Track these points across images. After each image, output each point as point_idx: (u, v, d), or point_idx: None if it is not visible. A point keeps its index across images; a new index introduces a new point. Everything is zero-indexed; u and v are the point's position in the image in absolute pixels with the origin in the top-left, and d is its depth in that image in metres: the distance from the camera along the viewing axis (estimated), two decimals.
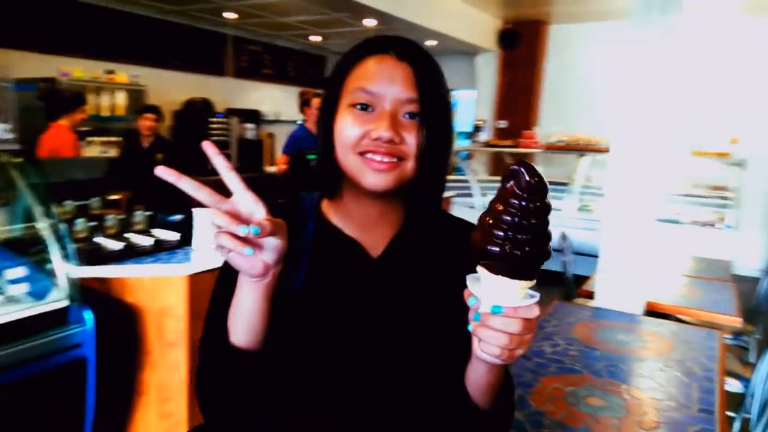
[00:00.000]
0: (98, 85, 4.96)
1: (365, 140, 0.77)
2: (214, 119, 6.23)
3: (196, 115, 6.17)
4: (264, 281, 0.69)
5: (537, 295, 0.65)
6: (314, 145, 3.51)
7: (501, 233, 0.60)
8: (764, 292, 2.99)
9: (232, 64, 7.04)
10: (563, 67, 7.05)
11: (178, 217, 2.68)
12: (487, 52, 7.39)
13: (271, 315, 0.74)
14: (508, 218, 0.60)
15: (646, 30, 2.39)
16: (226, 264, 0.85)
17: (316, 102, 4.37)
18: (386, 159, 0.76)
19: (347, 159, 0.79)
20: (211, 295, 0.88)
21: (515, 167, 0.61)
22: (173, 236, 2.49)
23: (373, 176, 0.77)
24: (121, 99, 5.11)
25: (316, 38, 7.29)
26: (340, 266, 0.85)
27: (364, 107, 0.77)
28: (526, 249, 0.60)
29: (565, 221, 5.16)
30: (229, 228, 0.62)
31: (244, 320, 0.72)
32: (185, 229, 2.55)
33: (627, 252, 2.42)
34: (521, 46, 7.21)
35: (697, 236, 4.84)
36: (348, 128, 0.77)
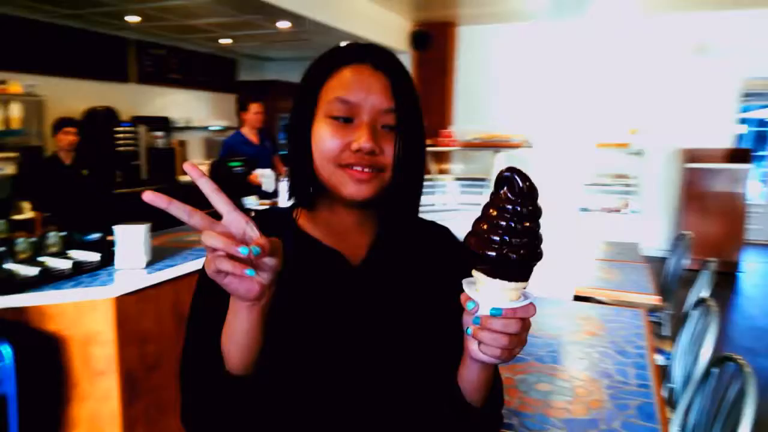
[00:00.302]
0: None
1: (346, 152, 0.77)
2: (120, 128, 5.89)
3: (100, 125, 5.79)
4: (260, 304, 0.67)
5: (532, 295, 0.67)
6: (249, 151, 3.45)
7: (496, 238, 0.62)
8: (673, 269, 3.26)
9: (135, 69, 6.68)
10: (474, 68, 7.32)
11: (95, 236, 2.53)
12: (400, 54, 7.43)
13: (265, 336, 0.72)
14: (503, 223, 0.62)
15: (557, 29, 2.53)
16: (203, 285, 0.83)
17: (254, 107, 4.38)
18: (366, 170, 0.77)
19: (326, 170, 0.78)
20: (189, 319, 0.84)
21: (507, 174, 0.64)
22: (93, 257, 2.34)
23: (354, 186, 0.77)
24: (15, 111, 4.69)
25: (225, 41, 7.07)
26: (322, 277, 0.84)
27: (345, 119, 0.77)
28: (521, 252, 0.62)
29: None
30: (228, 250, 0.60)
31: (241, 347, 0.70)
32: (104, 248, 2.41)
33: (554, 241, 2.56)
34: (433, 48, 7.40)
35: (605, 222, 5.21)
36: (327, 140, 0.77)
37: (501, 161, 5.88)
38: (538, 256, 0.64)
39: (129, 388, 2.13)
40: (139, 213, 3.81)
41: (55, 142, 3.80)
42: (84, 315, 2.07)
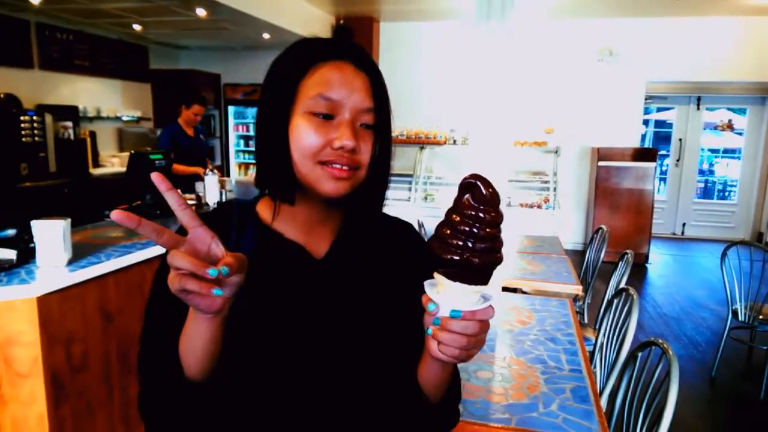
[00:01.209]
0: None
1: (327, 149, 0.76)
2: (25, 117, 5.44)
3: (1, 114, 5.33)
4: (220, 316, 0.67)
5: (491, 297, 0.69)
6: (186, 143, 3.38)
7: (459, 243, 0.64)
8: (591, 261, 3.49)
9: (38, 54, 6.19)
10: (396, 64, 7.43)
11: (10, 232, 2.35)
12: None
13: (224, 343, 0.72)
14: (465, 228, 0.64)
15: (477, 31, 2.64)
16: (160, 288, 0.81)
17: (195, 108, 4.60)
18: (346, 167, 0.77)
19: (305, 167, 0.77)
20: (146, 320, 0.82)
21: (471, 180, 0.65)
22: (9, 254, 2.17)
23: (332, 184, 0.77)
24: None
25: (137, 27, 6.71)
26: (284, 270, 0.84)
27: (326, 116, 0.77)
28: (482, 257, 0.64)
29: (413, 210, 5.50)
30: (197, 271, 0.60)
31: (199, 355, 0.71)
32: (21, 244, 2.25)
33: None
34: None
35: (525, 217, 5.49)
36: (308, 136, 0.76)
37: (426, 157, 6.03)
38: (498, 260, 0.66)
39: (56, 390, 2.01)
40: (48, 207, 3.57)
41: None
42: (3, 315, 1.93)
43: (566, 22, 6.72)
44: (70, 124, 6.09)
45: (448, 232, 0.65)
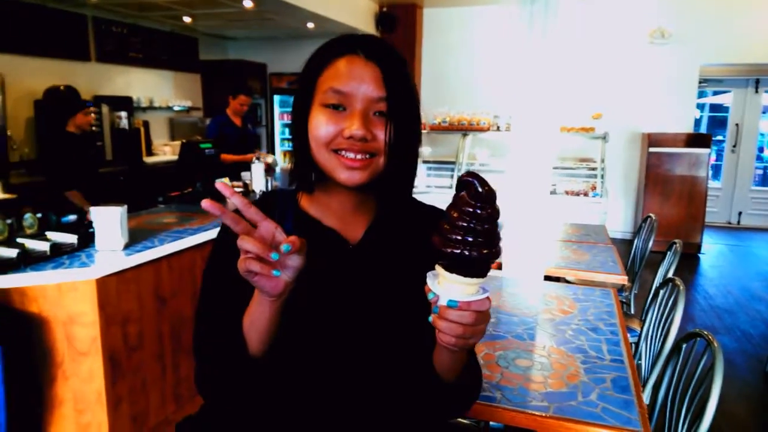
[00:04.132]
0: None
1: (339, 138, 0.80)
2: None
3: (60, 105, 5.60)
4: (282, 298, 0.74)
5: (488, 290, 0.72)
6: (233, 133, 3.53)
7: (456, 237, 0.67)
8: (639, 251, 3.41)
9: (95, 47, 6.45)
10: (440, 50, 7.37)
11: (72, 217, 2.50)
12: None
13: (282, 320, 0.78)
14: (463, 224, 0.67)
15: (532, 12, 2.58)
16: (214, 269, 0.88)
17: (242, 98, 4.72)
18: (359, 156, 0.81)
19: (321, 155, 0.82)
20: (201, 299, 0.89)
21: (468, 179, 0.68)
22: (70, 238, 2.32)
23: (347, 173, 0.81)
24: None
25: (187, 19, 6.90)
26: (320, 255, 0.87)
27: (336, 107, 0.81)
28: (479, 251, 0.67)
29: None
30: (261, 254, 0.67)
31: (261, 333, 0.77)
32: (82, 229, 2.39)
33: (527, 224, 2.65)
34: (398, 29, 7.41)
35: (572, 205, 5.37)
36: (322, 127, 0.81)
37: (468, 144, 5.97)
38: (495, 255, 0.69)
39: (113, 367, 2.14)
40: (106, 194, 3.75)
41: (73, 122, 3.78)
42: (65, 296, 2.06)
43: (616, 3, 6.50)
44: (124, 114, 6.35)
45: (447, 227, 0.68)
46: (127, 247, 2.36)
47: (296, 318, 0.83)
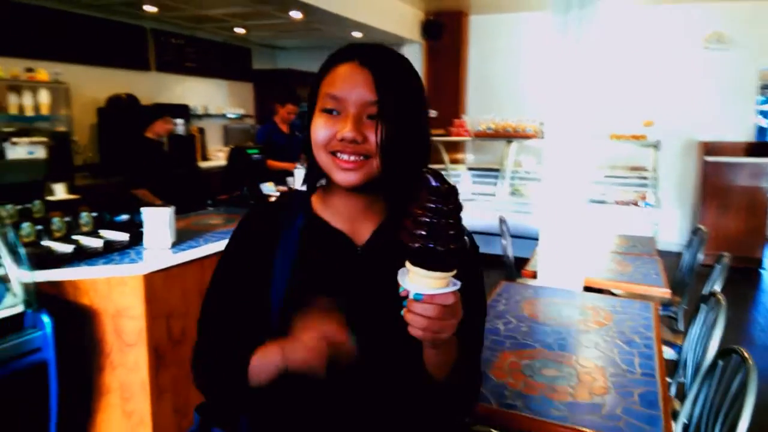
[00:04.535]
0: (18, 83, 4.65)
1: (334, 141, 0.85)
2: None
3: (122, 112, 5.93)
4: None
5: (458, 284, 0.73)
6: (280, 140, 3.69)
7: (420, 232, 0.70)
8: (687, 264, 3.29)
9: (154, 58, 6.80)
10: (486, 57, 7.35)
11: (124, 217, 2.65)
12: (412, 43, 7.56)
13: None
14: (425, 219, 0.70)
15: (567, 20, 2.57)
16: (227, 264, 0.96)
17: (289, 107, 4.91)
18: (352, 158, 0.84)
19: (320, 157, 0.88)
20: (204, 307, 0.97)
21: (426, 176, 0.71)
22: (122, 237, 2.47)
23: (342, 174, 0.86)
24: (44, 97, 4.82)
25: (240, 30, 7.17)
26: (327, 255, 0.92)
27: (332, 111, 0.85)
28: (440, 245, 0.70)
29: (498, 206, 5.44)
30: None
31: (268, 375, 0.85)
32: (133, 228, 2.53)
33: (564, 232, 2.61)
34: (444, 37, 7.43)
35: (621, 215, 5.22)
36: (319, 130, 0.86)
37: (513, 151, 5.92)
38: (458, 249, 0.71)
39: (157, 359, 2.25)
40: (172, 195, 3.96)
41: (152, 129, 4.02)
42: (114, 290, 2.19)
43: (670, 6, 6.30)
44: (181, 121, 6.64)
45: (411, 223, 0.71)
46: (174, 245, 2.48)
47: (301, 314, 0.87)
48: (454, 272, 0.73)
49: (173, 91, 7.06)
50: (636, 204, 5.30)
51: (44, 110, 4.82)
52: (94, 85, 5.82)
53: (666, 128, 6.11)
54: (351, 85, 0.84)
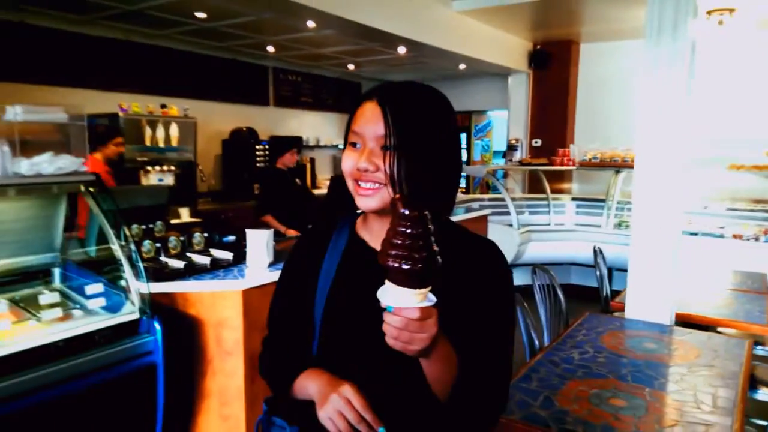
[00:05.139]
0: (154, 118, 5.34)
1: (355, 171, 0.95)
2: (259, 146, 6.56)
3: (242, 144, 6.51)
4: None
5: (433, 300, 0.79)
6: None
7: (392, 252, 0.76)
8: None
9: (273, 94, 7.40)
10: (595, 85, 7.13)
11: (231, 238, 2.93)
12: (518, 73, 7.53)
13: None
14: (397, 242, 0.76)
15: (659, 49, 2.50)
16: (282, 276, 1.12)
17: None
18: (368, 185, 0.94)
19: (348, 184, 0.98)
20: (273, 299, 1.12)
21: (396, 202, 0.78)
22: (227, 255, 2.73)
23: (362, 200, 0.96)
24: (174, 131, 5.47)
25: (351, 66, 7.61)
26: (362, 272, 1.01)
27: (355, 144, 0.96)
28: (410, 265, 0.75)
29: (603, 237, 5.21)
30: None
31: (305, 398, 0.99)
32: (237, 249, 2.79)
33: (654, 264, 2.50)
34: (552, 66, 7.33)
35: (739, 250, 4.79)
36: (345, 161, 0.97)
37: (621, 181, 5.66)
38: (426, 269, 0.76)
39: (252, 368, 2.45)
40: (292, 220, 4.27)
41: (282, 160, 4.41)
42: (217, 303, 2.44)
43: None
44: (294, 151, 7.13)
45: (386, 244, 0.78)
46: (271, 264, 2.70)
47: (337, 327, 0.99)
48: (427, 289, 0.79)
49: (289, 124, 7.61)
50: (757, 239, 4.83)
51: (174, 142, 5.44)
52: (219, 119, 6.47)
53: None
54: (367, 122, 0.94)
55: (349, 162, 0.96)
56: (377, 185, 0.94)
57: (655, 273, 2.48)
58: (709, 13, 5.73)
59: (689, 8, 2.42)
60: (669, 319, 2.48)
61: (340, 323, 1.00)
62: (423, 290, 0.78)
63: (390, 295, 0.79)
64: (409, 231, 0.76)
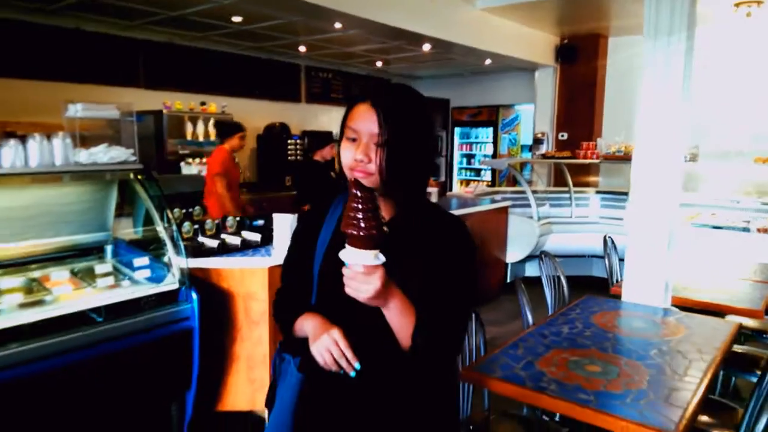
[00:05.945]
0: (194, 115, 5.75)
1: (352, 161, 1.15)
2: (291, 141, 6.91)
3: (275, 138, 6.87)
4: None
5: (382, 259, 1.02)
6: None
7: (348, 222, 0.99)
8: None
9: (305, 90, 7.74)
10: (622, 78, 7.18)
11: (260, 222, 3.24)
12: (545, 67, 7.64)
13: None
14: (351, 214, 0.99)
15: (661, 45, 2.65)
16: (291, 240, 1.37)
17: None
18: (361, 175, 1.14)
19: (346, 173, 1.19)
20: (285, 258, 1.38)
21: (351, 184, 1.01)
22: (256, 237, 3.04)
23: None
24: (212, 126, 5.87)
25: (379, 63, 7.86)
26: None
27: (352, 139, 1.17)
28: (362, 231, 0.98)
29: (624, 230, 5.32)
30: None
31: (303, 336, 1.23)
32: (265, 231, 3.10)
33: (650, 248, 2.64)
34: (579, 60, 7.40)
35: (764, 244, 4.83)
36: (345, 153, 1.17)
37: None
38: (374, 235, 0.99)
39: (276, 336, 2.75)
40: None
41: (321, 153, 4.69)
42: (246, 278, 2.74)
43: None
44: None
45: (345, 215, 1.02)
46: None
47: (326, 287, 1.24)
48: (375, 251, 1.02)
49: (319, 120, 7.93)
50: None
51: (212, 137, 5.83)
52: (254, 115, 6.84)
53: None
54: (362, 120, 1.15)
55: (348, 154, 1.17)
56: (369, 173, 1.15)
57: (650, 257, 2.62)
58: (737, 5, 5.74)
59: (685, 6, 2.56)
60: (663, 302, 2.62)
61: (330, 279, 1.22)
62: (371, 252, 1.01)
63: (347, 254, 1.03)
64: (360, 206, 1.00)
